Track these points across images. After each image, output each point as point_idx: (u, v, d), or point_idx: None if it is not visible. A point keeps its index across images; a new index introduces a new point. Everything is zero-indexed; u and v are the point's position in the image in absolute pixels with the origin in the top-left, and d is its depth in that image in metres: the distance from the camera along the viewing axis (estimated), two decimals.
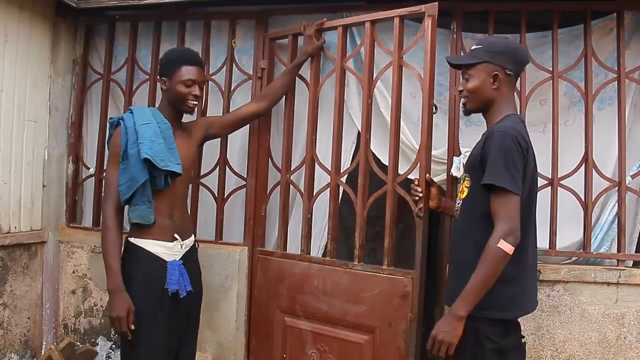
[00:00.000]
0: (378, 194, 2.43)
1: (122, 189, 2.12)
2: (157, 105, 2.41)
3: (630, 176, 2.44)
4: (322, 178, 2.61)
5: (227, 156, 2.85)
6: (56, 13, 3.01)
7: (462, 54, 2.48)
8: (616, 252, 2.44)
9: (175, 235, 2.23)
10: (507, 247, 1.70)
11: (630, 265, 2.45)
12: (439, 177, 2.50)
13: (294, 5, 2.76)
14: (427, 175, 2.25)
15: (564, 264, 2.48)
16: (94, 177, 3.07)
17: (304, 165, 2.63)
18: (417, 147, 2.39)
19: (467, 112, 2.02)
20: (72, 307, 3.07)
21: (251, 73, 2.82)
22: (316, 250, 2.73)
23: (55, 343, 3.01)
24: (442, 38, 2.49)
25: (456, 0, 2.49)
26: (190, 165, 2.42)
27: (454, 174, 2.44)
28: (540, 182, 2.35)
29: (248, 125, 2.71)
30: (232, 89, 2.86)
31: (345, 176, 2.59)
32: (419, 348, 2.27)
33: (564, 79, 2.49)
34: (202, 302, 2.43)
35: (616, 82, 2.46)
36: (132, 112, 2.23)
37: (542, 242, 2.25)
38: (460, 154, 2.46)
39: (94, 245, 2.99)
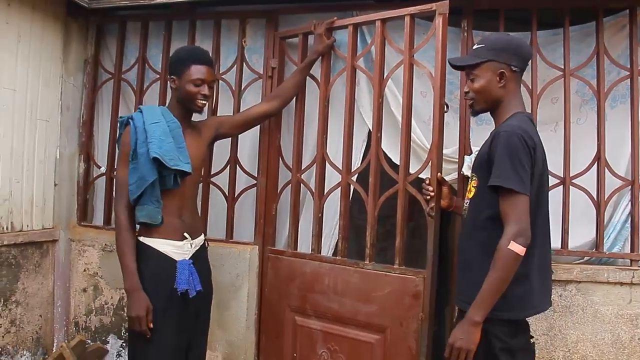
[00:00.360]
0: (389, 193, 2.43)
1: (131, 188, 2.12)
2: (167, 104, 2.40)
3: None
4: (332, 177, 2.61)
5: (238, 155, 2.85)
6: (68, 13, 3.04)
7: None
8: (629, 251, 2.42)
9: (185, 234, 2.23)
10: (518, 249, 1.69)
11: None
12: (450, 176, 2.49)
13: (304, 4, 2.76)
14: (439, 174, 2.24)
15: (576, 264, 2.46)
16: (104, 176, 3.09)
17: (315, 164, 2.63)
18: (428, 146, 2.38)
19: (475, 113, 2.01)
20: (83, 305, 3.09)
21: (261, 72, 2.82)
22: (327, 250, 2.72)
23: (66, 341, 3.03)
24: (452, 36, 2.49)
25: None
26: (200, 165, 2.41)
27: (465, 173, 2.42)
28: (552, 181, 2.33)
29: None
30: (242, 88, 2.86)
31: (356, 175, 2.59)
32: (430, 348, 2.26)
33: (575, 77, 2.47)
34: (213, 301, 2.43)
35: (629, 79, 2.44)
36: (141, 111, 2.24)
37: (554, 241, 2.22)
38: (472, 152, 2.44)
39: (105, 244, 3.01)
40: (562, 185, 2.44)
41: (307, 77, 2.67)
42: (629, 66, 2.44)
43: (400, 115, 2.43)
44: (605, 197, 2.42)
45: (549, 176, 2.03)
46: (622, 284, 2.35)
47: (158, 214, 2.15)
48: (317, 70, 2.65)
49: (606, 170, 2.42)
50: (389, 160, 2.52)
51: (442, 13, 2.25)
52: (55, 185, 3.05)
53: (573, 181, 2.44)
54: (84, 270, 3.08)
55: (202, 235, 2.39)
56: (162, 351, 2.13)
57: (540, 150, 1.82)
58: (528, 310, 1.84)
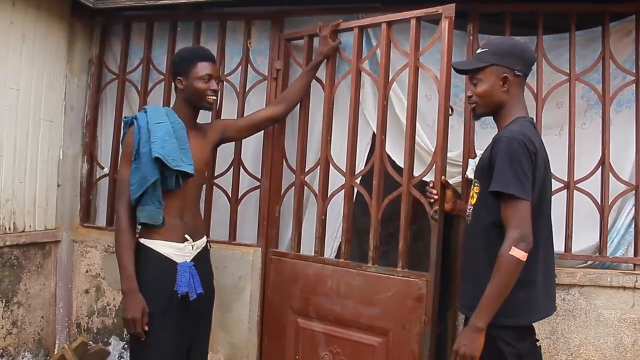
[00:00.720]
0: (393, 196, 2.43)
1: (133, 188, 2.11)
2: (172, 106, 2.39)
3: None
4: (336, 179, 2.61)
5: (241, 157, 2.85)
6: (72, 13, 3.03)
7: None
8: (633, 256, 2.42)
9: (186, 236, 2.21)
10: (520, 254, 1.69)
11: None
12: (454, 180, 2.48)
13: (310, 6, 2.76)
14: (443, 177, 2.24)
15: (580, 268, 2.46)
16: (108, 177, 3.08)
17: (319, 166, 2.63)
18: (433, 149, 2.38)
19: (477, 117, 2.01)
20: (85, 307, 3.08)
21: (266, 74, 2.82)
22: (329, 252, 2.72)
23: (68, 342, 3.02)
24: (458, 40, 2.48)
25: (473, 1, 2.48)
26: (203, 167, 2.37)
27: (469, 176, 2.42)
28: (556, 185, 2.33)
29: None
30: (247, 89, 2.86)
31: (360, 177, 2.59)
32: (432, 351, 2.26)
33: (581, 81, 2.48)
34: (215, 302, 2.42)
35: (634, 84, 2.44)
36: (145, 111, 2.23)
37: (558, 245, 2.23)
38: (476, 156, 2.44)
39: (108, 245, 3.00)
40: (566, 190, 2.44)
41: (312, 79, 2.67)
42: (634, 71, 2.44)
43: (404, 117, 2.43)
44: (609, 202, 2.42)
45: (553, 180, 2.03)
46: (625, 288, 2.35)
47: (159, 214, 2.14)
48: (322, 72, 2.65)
49: (610, 174, 2.42)
50: (392, 163, 2.52)
51: (449, 16, 2.25)
52: (58, 185, 3.04)
53: (577, 185, 2.44)
54: (87, 272, 3.08)
55: (205, 237, 2.37)
56: (163, 352, 2.12)
57: (542, 154, 1.82)
58: (533, 315, 1.84)
